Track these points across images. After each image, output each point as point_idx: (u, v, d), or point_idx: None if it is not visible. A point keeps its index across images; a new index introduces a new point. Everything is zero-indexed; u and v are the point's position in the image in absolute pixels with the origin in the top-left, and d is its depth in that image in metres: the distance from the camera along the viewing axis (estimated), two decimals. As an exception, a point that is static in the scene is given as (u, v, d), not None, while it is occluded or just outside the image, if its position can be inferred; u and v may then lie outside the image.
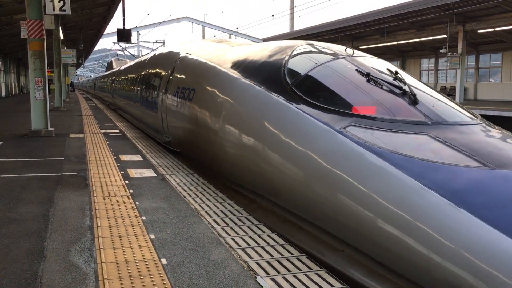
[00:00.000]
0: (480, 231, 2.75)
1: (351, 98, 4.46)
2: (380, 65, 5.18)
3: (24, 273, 3.05)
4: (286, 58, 5.29)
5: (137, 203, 4.79)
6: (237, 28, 45.00)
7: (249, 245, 3.66)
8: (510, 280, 2.49)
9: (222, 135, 5.57)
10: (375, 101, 4.33)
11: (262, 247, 3.61)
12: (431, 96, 4.74)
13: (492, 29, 25.59)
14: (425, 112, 4.18)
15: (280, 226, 4.25)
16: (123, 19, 17.18)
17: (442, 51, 27.52)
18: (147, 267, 3.16)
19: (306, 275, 3.11)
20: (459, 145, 3.64)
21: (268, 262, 3.32)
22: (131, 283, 2.92)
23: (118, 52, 57.51)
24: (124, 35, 16.96)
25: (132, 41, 24.50)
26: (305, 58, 5.33)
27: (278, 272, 3.15)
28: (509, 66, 29.83)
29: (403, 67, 39.45)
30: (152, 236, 3.79)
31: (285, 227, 4.23)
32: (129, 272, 3.08)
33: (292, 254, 3.49)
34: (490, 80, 32.14)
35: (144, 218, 4.28)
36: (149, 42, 47.31)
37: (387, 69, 4.99)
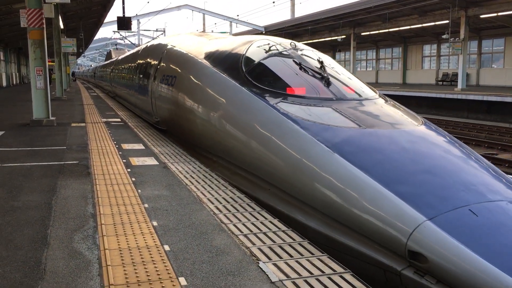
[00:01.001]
0: (343, 167, 4.07)
1: (285, 82, 5.76)
2: (313, 56, 6.39)
3: (28, 260, 3.07)
4: (244, 51, 6.50)
5: (139, 191, 4.80)
6: (237, 15, 44.73)
7: (251, 231, 3.67)
8: (355, 193, 3.83)
9: (193, 113, 6.86)
10: (301, 84, 5.67)
11: (264, 233, 3.62)
12: (342, 79, 6.07)
13: (495, 14, 25.37)
14: (333, 91, 5.57)
15: (231, 177, 5.56)
16: (123, 7, 17.09)
17: (444, 36, 27.33)
18: (150, 254, 3.18)
19: (308, 260, 3.13)
20: (348, 113, 4.99)
21: (270, 247, 3.33)
22: (134, 269, 2.94)
23: (119, 41, 57.30)
24: (124, 23, 16.89)
25: (133, 30, 24.36)
26: (258, 51, 6.46)
27: (280, 257, 3.17)
28: (512, 51, 29.66)
29: (405, 53, 39.27)
30: (155, 223, 3.80)
31: (234, 177, 5.53)
32: (132, 259, 3.10)
33: (294, 240, 3.51)
34: (493, 65, 31.97)
35: (146, 205, 4.29)
36: (150, 30, 47.06)
37: (317, 59, 6.22)
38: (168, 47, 9.64)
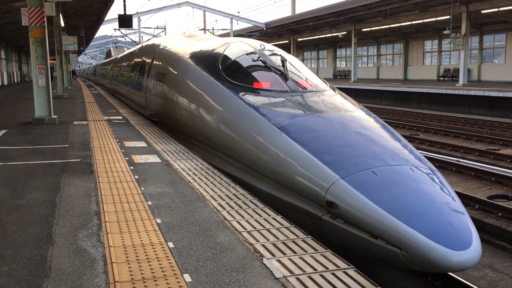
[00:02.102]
0: (287, 143, 5.12)
1: (252, 78, 6.81)
2: (277, 56, 7.34)
3: (34, 258, 3.09)
4: (221, 51, 7.50)
5: (142, 188, 4.82)
6: (238, 12, 44.68)
7: (254, 228, 3.69)
8: (294, 161, 4.91)
9: (178, 104, 7.94)
10: (265, 79, 6.69)
11: (268, 230, 3.64)
12: (299, 75, 7.04)
13: (496, 9, 25.27)
14: (289, 85, 6.60)
15: (208, 157, 6.60)
16: (124, 5, 17.07)
17: (445, 32, 27.24)
18: (155, 251, 3.20)
19: (312, 256, 3.15)
20: (298, 103, 6.07)
21: (274, 244, 3.35)
22: (139, 266, 2.96)
23: (120, 38, 57.15)
24: (125, 21, 16.88)
25: (133, 27, 24.36)
26: (232, 52, 7.47)
27: (284, 254, 3.18)
28: (513, 46, 29.53)
29: (406, 49, 39.19)
30: (159, 221, 3.82)
31: (210, 157, 6.57)
32: (136, 256, 3.12)
33: (297, 236, 3.52)
34: (494, 61, 31.89)
35: (150, 203, 4.31)
36: (150, 28, 46.85)
37: (280, 58, 7.20)
38: (160, 47, 10.71)
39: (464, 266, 3.72)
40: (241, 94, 6.36)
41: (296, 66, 7.37)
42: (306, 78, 7.06)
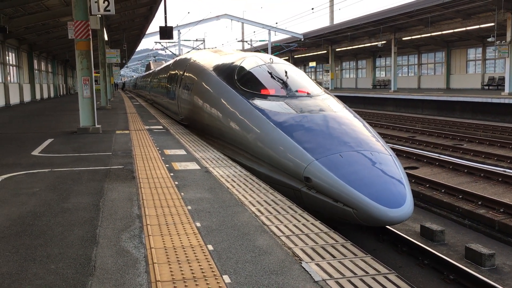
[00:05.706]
0: (280, 135, 6.47)
1: (260, 86, 8.12)
2: (282, 68, 8.66)
3: (79, 257, 3.20)
4: (238, 64, 8.96)
5: (182, 193, 4.90)
6: (276, 23, 44.87)
7: (293, 232, 3.68)
8: (284, 148, 6.26)
9: (202, 109, 9.45)
10: (270, 86, 8.05)
11: (306, 235, 3.63)
12: (297, 83, 8.29)
13: (544, 15, 24.36)
14: (288, 91, 7.92)
15: (224, 150, 7.95)
16: (165, 17, 17.47)
17: (489, 39, 26.46)
18: (194, 253, 3.25)
19: (351, 261, 3.11)
20: (292, 105, 7.33)
21: (312, 248, 3.34)
22: (180, 267, 3.01)
23: (160, 51, 58.51)
24: (166, 32, 17.26)
25: (174, 40, 25.00)
26: (246, 64, 8.89)
27: (323, 258, 3.16)
28: None
29: (448, 58, 38.31)
30: (198, 224, 3.88)
31: (225, 150, 7.91)
32: (177, 257, 3.17)
33: (336, 241, 3.49)
34: (542, 68, 30.61)
35: (189, 207, 4.38)
36: (190, 40, 47.76)
37: (284, 70, 8.54)
38: (190, 61, 12.31)
39: (398, 220, 5.07)
40: (249, 99, 7.68)
41: (297, 76, 8.68)
42: (304, 86, 8.35)
